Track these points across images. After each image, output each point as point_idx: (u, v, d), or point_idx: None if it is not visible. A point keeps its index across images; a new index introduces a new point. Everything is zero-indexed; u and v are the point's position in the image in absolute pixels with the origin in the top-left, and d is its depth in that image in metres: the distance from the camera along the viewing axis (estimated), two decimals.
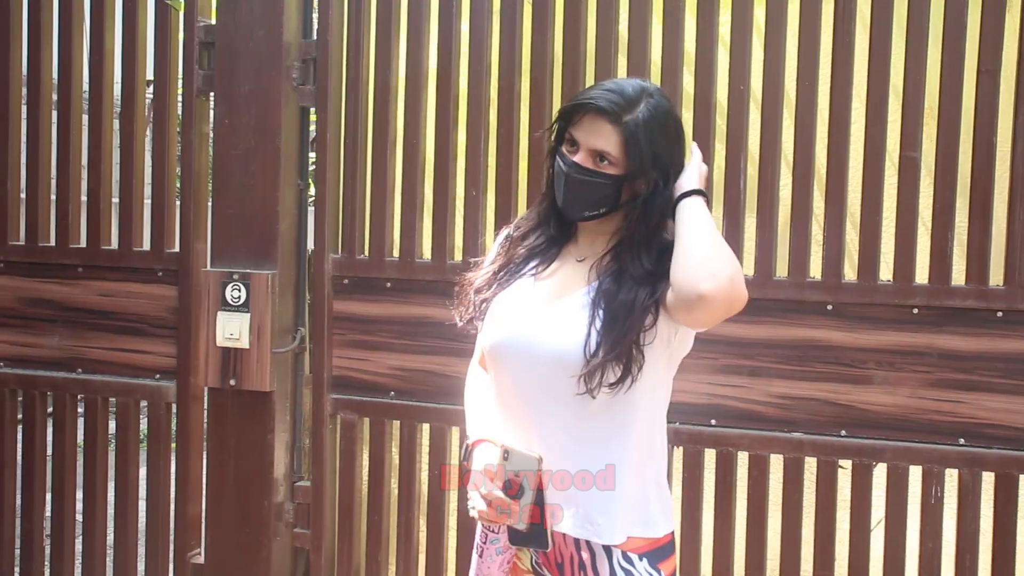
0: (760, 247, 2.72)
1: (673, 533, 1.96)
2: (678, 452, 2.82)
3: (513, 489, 1.78)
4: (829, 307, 2.67)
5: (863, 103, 2.68)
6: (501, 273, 2.01)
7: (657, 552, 1.91)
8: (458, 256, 2.93)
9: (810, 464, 2.74)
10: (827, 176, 2.67)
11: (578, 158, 1.85)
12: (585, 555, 1.89)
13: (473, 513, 1.90)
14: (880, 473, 2.70)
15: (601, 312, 1.84)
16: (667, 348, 1.93)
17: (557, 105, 2.83)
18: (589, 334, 1.83)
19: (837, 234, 2.66)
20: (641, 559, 1.89)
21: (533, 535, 1.82)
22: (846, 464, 2.72)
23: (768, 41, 2.69)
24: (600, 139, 1.83)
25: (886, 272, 2.70)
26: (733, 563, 2.78)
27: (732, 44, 2.71)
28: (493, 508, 1.84)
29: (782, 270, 2.74)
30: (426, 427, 3.03)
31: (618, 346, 1.81)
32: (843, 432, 2.67)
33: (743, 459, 2.78)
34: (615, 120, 1.82)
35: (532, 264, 1.99)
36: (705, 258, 1.75)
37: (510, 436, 1.92)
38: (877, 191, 2.63)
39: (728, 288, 1.72)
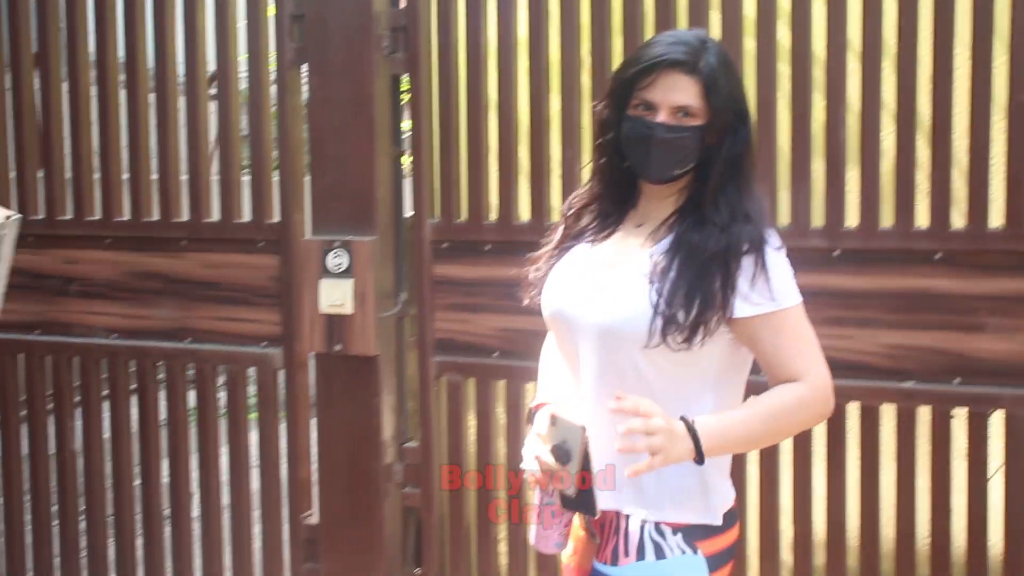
0: (864, 198, 2.67)
1: (728, 511, 1.91)
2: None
3: (561, 455, 1.78)
4: (937, 255, 2.62)
5: (966, 48, 2.60)
6: (558, 249, 2.00)
7: (697, 530, 1.87)
8: (555, 217, 2.91)
9: (922, 414, 2.70)
10: (932, 123, 2.60)
11: (661, 118, 1.80)
12: (621, 519, 1.88)
13: (527, 476, 1.89)
14: (996, 421, 2.65)
15: (676, 263, 1.79)
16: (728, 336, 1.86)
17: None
18: (653, 294, 1.79)
19: (943, 182, 2.60)
20: (675, 533, 1.86)
21: (582, 501, 1.81)
22: (960, 413, 2.68)
23: None
24: (681, 93, 1.79)
25: (996, 219, 2.63)
26: (846, 516, 2.77)
27: None
28: (544, 473, 1.82)
29: (887, 220, 2.70)
30: (532, 387, 3.04)
31: (695, 292, 1.76)
32: (957, 380, 2.62)
33: (853, 410, 2.75)
34: (691, 70, 1.78)
35: (589, 234, 1.95)
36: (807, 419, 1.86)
37: (576, 402, 1.91)
38: (984, 137, 2.57)
39: (830, 408, 1.86)
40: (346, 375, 3.04)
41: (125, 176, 3.31)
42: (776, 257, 1.83)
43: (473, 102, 2.93)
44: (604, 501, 1.84)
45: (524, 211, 2.98)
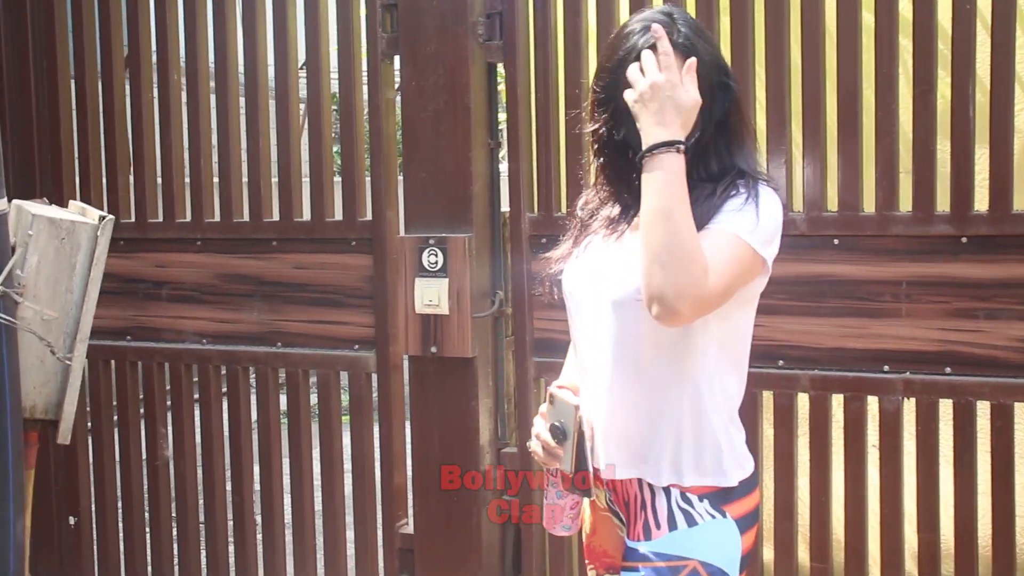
0: (994, 178, 2.49)
1: (750, 475, 1.86)
2: (908, 404, 2.62)
3: (558, 434, 1.81)
4: None
5: None
6: (575, 245, 1.97)
7: (721, 494, 1.82)
8: None
9: None
10: None
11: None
12: (647, 494, 1.85)
13: (532, 454, 1.91)
14: None
15: None
16: None
17: (761, 51, 2.65)
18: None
19: None
20: (702, 500, 1.82)
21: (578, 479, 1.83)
22: None
23: None
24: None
25: None
26: (977, 521, 2.57)
27: None
28: (545, 451, 1.86)
29: (1020, 203, 2.51)
30: None
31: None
32: None
33: (983, 409, 2.57)
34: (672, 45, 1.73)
35: (608, 226, 1.92)
36: (647, 277, 1.68)
37: (592, 382, 1.88)
38: None
39: (677, 307, 1.65)
40: (442, 378, 2.94)
41: (215, 179, 3.26)
42: (758, 204, 1.75)
43: (572, 90, 2.81)
44: (623, 471, 1.84)
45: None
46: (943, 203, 2.54)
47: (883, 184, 2.56)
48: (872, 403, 2.65)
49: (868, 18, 2.59)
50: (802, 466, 2.76)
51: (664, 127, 1.70)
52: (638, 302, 1.74)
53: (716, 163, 1.80)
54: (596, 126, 1.85)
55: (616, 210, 1.92)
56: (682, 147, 1.70)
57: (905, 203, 2.57)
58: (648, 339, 1.79)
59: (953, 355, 2.53)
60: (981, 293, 2.50)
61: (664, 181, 1.69)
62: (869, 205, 2.60)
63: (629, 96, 1.74)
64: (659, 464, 1.83)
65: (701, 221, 1.72)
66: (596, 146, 1.88)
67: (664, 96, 1.70)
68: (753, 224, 1.75)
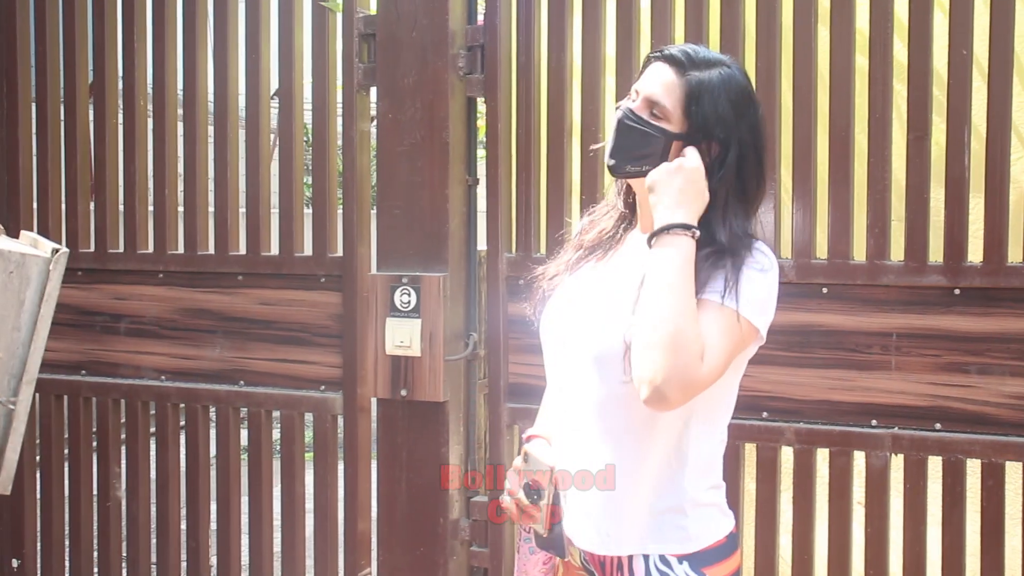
0: (989, 230, 2.41)
1: (728, 536, 1.77)
2: (896, 461, 2.53)
3: (532, 492, 1.76)
4: None
5: None
6: (571, 261, 1.89)
7: (702, 556, 1.75)
8: None
9: None
10: None
11: (636, 106, 1.71)
12: (624, 557, 1.77)
13: (505, 511, 1.84)
14: None
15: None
16: None
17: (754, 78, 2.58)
18: (629, 327, 1.66)
19: None
20: (681, 562, 1.74)
21: (552, 541, 1.78)
22: None
23: (993, 1, 2.38)
24: (659, 87, 1.69)
25: None
26: None
27: (951, 6, 2.41)
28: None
29: (1015, 255, 2.43)
30: None
31: None
32: None
33: (974, 467, 2.49)
34: (680, 71, 1.68)
35: (598, 250, 1.85)
36: (640, 359, 1.59)
37: (568, 431, 1.80)
38: None
39: (667, 393, 1.56)
40: (411, 422, 2.83)
41: (180, 209, 3.16)
42: (755, 271, 1.67)
43: (555, 126, 2.74)
44: (598, 543, 1.76)
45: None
46: (936, 253, 2.48)
47: (874, 232, 2.50)
48: (859, 459, 2.58)
49: (862, 61, 2.52)
50: (785, 523, 2.66)
51: (682, 208, 1.65)
52: (620, 358, 1.67)
53: (725, 226, 1.71)
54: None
55: (612, 224, 1.85)
56: (696, 233, 1.64)
57: (897, 252, 2.52)
58: (628, 399, 1.70)
59: (943, 411, 2.46)
60: (973, 347, 2.43)
61: (675, 261, 1.62)
62: (860, 253, 2.53)
63: (655, 172, 1.68)
64: (635, 530, 1.75)
65: (700, 287, 1.65)
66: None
67: (690, 180, 1.66)
68: (752, 295, 1.67)
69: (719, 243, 1.68)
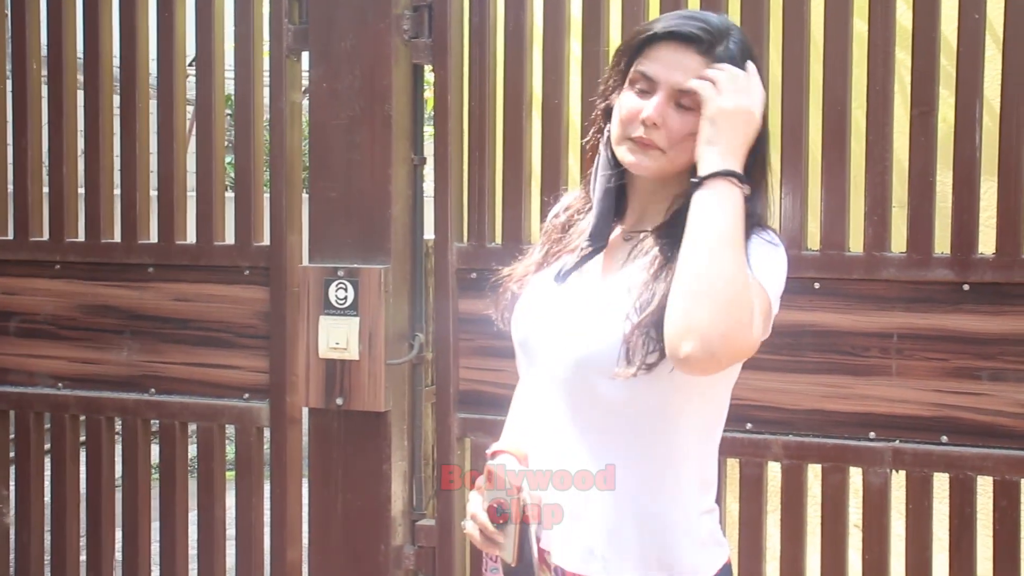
0: (1002, 217, 2.35)
1: (724, 567, 1.73)
2: (898, 478, 2.45)
3: (497, 516, 1.70)
4: None
5: None
6: (540, 261, 1.83)
7: None
8: None
9: None
10: None
11: (658, 100, 1.62)
12: None
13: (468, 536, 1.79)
14: None
15: (645, 278, 1.64)
16: None
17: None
18: (625, 318, 1.62)
19: None
20: None
21: (523, 571, 1.70)
22: None
23: None
24: (687, 74, 1.62)
25: None
26: None
27: None
28: (482, 534, 1.74)
29: None
30: None
31: (647, 307, 1.60)
32: None
33: (985, 485, 2.42)
34: (706, 50, 1.62)
35: (575, 244, 1.78)
36: (690, 306, 1.50)
37: (543, 443, 1.75)
38: None
39: (717, 350, 1.48)
40: (348, 435, 2.74)
41: (81, 190, 3.05)
42: (766, 257, 1.63)
43: (513, 98, 2.66)
44: (579, 563, 1.70)
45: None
46: (942, 244, 2.41)
47: (873, 220, 2.43)
48: (855, 475, 2.50)
49: (860, 26, 2.45)
50: (772, 548, 2.58)
51: (734, 157, 1.57)
52: (612, 362, 1.61)
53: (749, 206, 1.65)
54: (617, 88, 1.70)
55: (586, 227, 1.75)
56: (746, 188, 1.58)
57: (898, 243, 2.44)
58: (618, 409, 1.66)
59: (951, 422, 2.40)
60: (984, 350, 2.37)
61: (734, 212, 1.54)
62: (857, 244, 2.46)
63: (706, 111, 1.59)
64: (620, 557, 1.69)
65: None
66: (596, 136, 1.75)
67: (743, 125, 1.59)
68: (776, 280, 1.63)
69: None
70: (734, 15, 2.49)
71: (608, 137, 1.70)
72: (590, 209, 1.76)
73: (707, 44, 1.61)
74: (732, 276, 1.50)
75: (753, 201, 1.63)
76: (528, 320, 1.76)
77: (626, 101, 1.64)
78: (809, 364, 2.45)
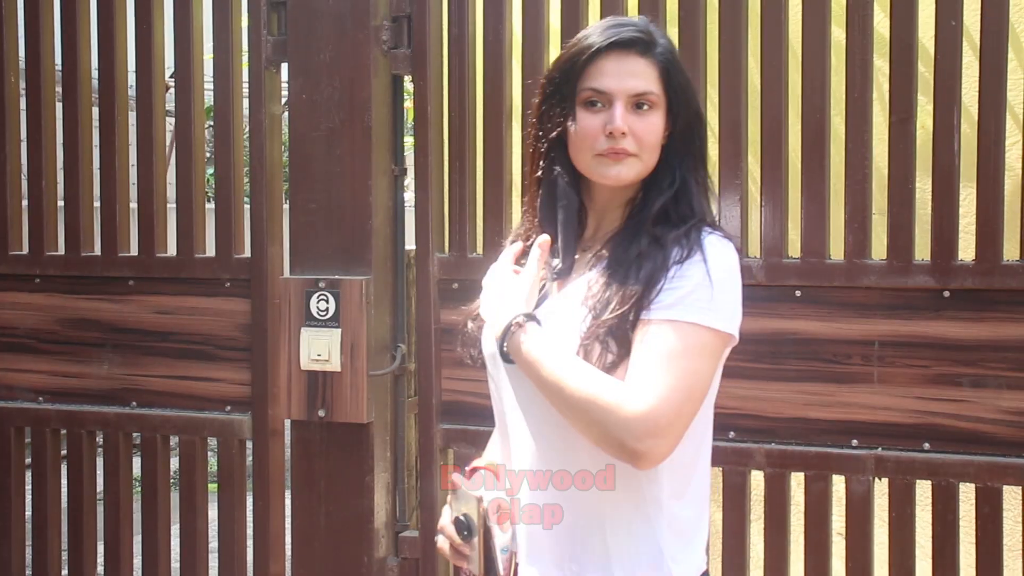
0: (981, 223, 2.37)
1: None
2: (881, 485, 2.47)
3: (463, 529, 1.75)
4: None
5: None
6: None
7: None
8: None
9: None
10: None
11: (619, 110, 1.65)
12: None
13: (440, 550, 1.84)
14: None
15: (603, 281, 1.66)
16: None
17: (714, 69, 2.53)
18: (582, 323, 1.65)
19: None
20: None
21: None
22: None
23: None
24: (638, 79, 1.66)
25: None
26: None
27: None
28: (451, 547, 1.78)
29: (1012, 252, 2.39)
30: None
31: (616, 312, 1.62)
32: None
33: (967, 492, 2.44)
34: (646, 50, 1.67)
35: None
36: (585, 434, 1.61)
37: (513, 459, 1.77)
38: None
39: (638, 453, 1.55)
40: (330, 447, 2.76)
41: (60, 203, 3.07)
42: (719, 267, 1.63)
43: (493, 108, 2.68)
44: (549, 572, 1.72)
45: None
46: (922, 251, 2.43)
47: (853, 227, 2.45)
48: (838, 483, 2.51)
49: (838, 34, 2.47)
50: (756, 557, 2.61)
51: (498, 312, 1.69)
52: None
53: (681, 209, 1.69)
54: (546, 133, 1.72)
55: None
56: (522, 317, 1.65)
57: (879, 250, 2.47)
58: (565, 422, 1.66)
59: (932, 429, 2.42)
60: (965, 356, 2.39)
61: (530, 362, 1.62)
62: (837, 251, 2.48)
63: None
64: (588, 569, 1.69)
65: (651, 282, 1.62)
66: (540, 160, 1.74)
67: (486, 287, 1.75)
68: (708, 298, 1.60)
69: (675, 223, 1.67)
70: (711, 21, 2.52)
71: (561, 164, 1.71)
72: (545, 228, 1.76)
73: (645, 44, 1.66)
74: (582, 406, 1.56)
75: (693, 199, 1.67)
76: (489, 339, 1.76)
77: (584, 122, 1.65)
78: (791, 372, 2.47)
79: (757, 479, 2.59)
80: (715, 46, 2.52)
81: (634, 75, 1.65)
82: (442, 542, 1.79)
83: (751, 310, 2.42)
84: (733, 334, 1.64)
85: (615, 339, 1.59)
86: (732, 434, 2.51)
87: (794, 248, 2.52)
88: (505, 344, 1.64)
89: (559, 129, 1.68)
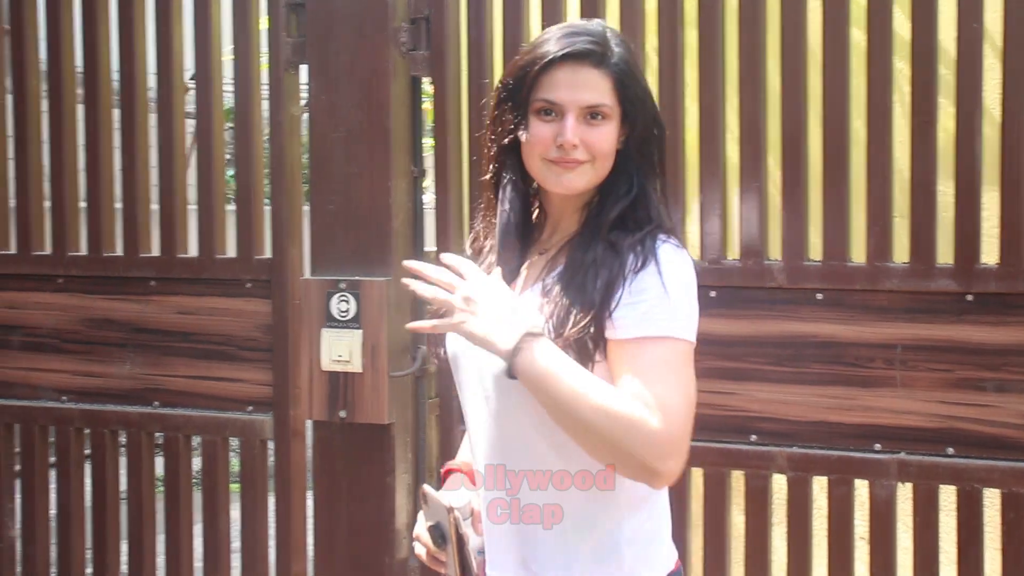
0: (1005, 227, 2.36)
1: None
2: (904, 490, 2.46)
3: (437, 536, 1.77)
4: None
5: None
6: None
7: None
8: None
9: None
10: None
11: (570, 122, 1.65)
12: None
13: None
14: None
15: (559, 288, 1.67)
16: None
17: (733, 71, 2.50)
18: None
19: None
20: None
21: None
22: None
23: None
24: (591, 91, 1.66)
25: None
26: None
27: None
28: (428, 555, 1.81)
29: None
30: None
31: (567, 321, 1.63)
32: None
33: (992, 497, 2.44)
34: (600, 62, 1.66)
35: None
36: (600, 459, 1.61)
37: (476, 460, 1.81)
38: None
39: (657, 471, 1.57)
40: (352, 448, 2.77)
41: (82, 204, 3.09)
42: (675, 277, 1.65)
43: None
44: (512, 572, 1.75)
45: None
46: (945, 254, 2.43)
47: (875, 231, 2.44)
48: (861, 488, 2.51)
49: (859, 36, 2.46)
50: (778, 561, 2.60)
51: (502, 326, 1.61)
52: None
53: (639, 215, 1.70)
54: (499, 138, 1.73)
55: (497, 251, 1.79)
56: (537, 328, 1.60)
57: (900, 253, 2.46)
58: (534, 421, 1.67)
59: (956, 433, 2.41)
60: (989, 361, 2.38)
61: (556, 365, 1.58)
62: (859, 255, 2.47)
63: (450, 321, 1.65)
64: (563, 564, 1.71)
65: (609, 291, 1.63)
66: (496, 164, 1.77)
67: (477, 298, 1.63)
68: (672, 309, 1.62)
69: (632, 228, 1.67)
70: (730, 24, 2.51)
71: (512, 169, 1.73)
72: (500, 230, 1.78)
73: (599, 56, 1.65)
74: (604, 423, 1.54)
75: (651, 206, 1.68)
76: (456, 339, 1.78)
77: (536, 130, 1.66)
78: (812, 375, 2.47)
79: (779, 483, 2.59)
80: (734, 46, 2.51)
81: (587, 87, 1.66)
82: (419, 549, 1.82)
83: (773, 313, 2.47)
84: (694, 342, 1.65)
85: (576, 350, 1.61)
86: (754, 437, 2.51)
87: (816, 251, 2.51)
88: (515, 360, 1.59)
89: (511, 136, 1.69)
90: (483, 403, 1.73)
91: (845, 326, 2.45)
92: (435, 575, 1.85)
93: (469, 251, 1.87)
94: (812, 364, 2.47)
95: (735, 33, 2.51)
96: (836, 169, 2.46)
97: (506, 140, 1.70)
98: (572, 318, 1.62)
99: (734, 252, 2.54)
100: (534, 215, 1.79)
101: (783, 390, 2.49)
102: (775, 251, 2.52)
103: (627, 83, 1.66)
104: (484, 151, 1.78)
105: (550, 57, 1.65)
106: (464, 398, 1.81)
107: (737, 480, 2.61)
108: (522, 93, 1.68)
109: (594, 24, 1.71)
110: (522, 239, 1.76)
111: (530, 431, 1.67)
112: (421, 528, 1.82)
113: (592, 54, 1.65)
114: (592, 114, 1.66)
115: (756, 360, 2.50)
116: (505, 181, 1.74)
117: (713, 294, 2.49)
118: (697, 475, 2.60)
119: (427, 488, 1.80)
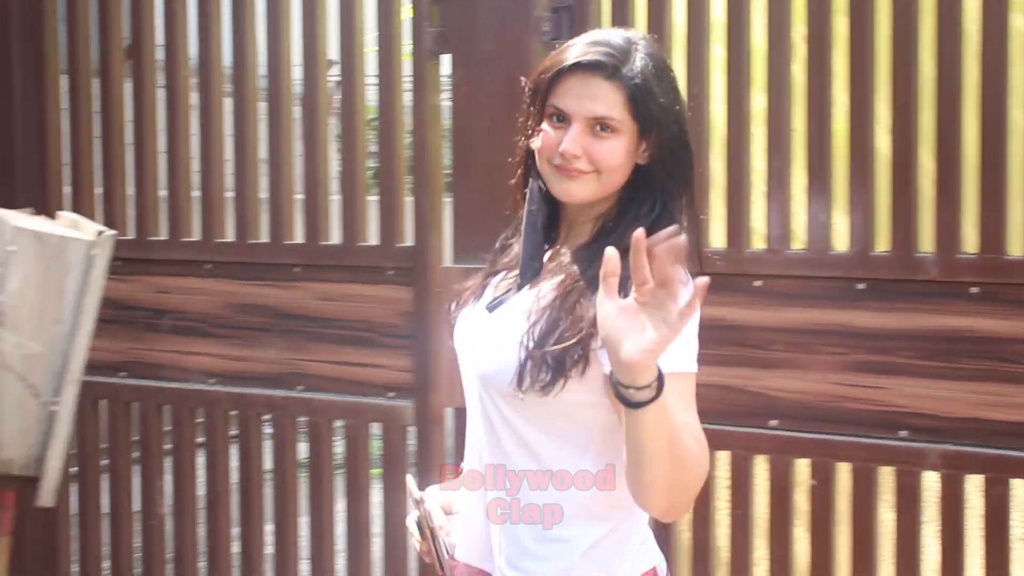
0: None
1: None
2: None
3: (420, 528, 1.81)
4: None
5: None
6: (480, 283, 1.86)
7: None
8: (757, 243, 2.60)
9: None
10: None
11: (574, 132, 1.64)
12: None
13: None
14: None
15: (550, 299, 1.66)
16: None
17: (885, 61, 2.45)
18: (525, 335, 1.65)
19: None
20: None
21: None
22: None
23: None
24: (599, 103, 1.64)
25: None
26: None
27: None
28: (420, 545, 1.85)
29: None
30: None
31: (551, 336, 1.61)
32: None
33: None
34: (612, 74, 1.64)
35: (507, 273, 1.82)
36: (656, 496, 1.55)
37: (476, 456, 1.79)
38: None
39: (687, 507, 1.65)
40: None
41: (229, 193, 3.15)
42: None
43: None
44: (476, 557, 1.77)
45: (717, 236, 2.63)
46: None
47: None
48: (1018, 487, 2.47)
49: (1019, 21, 2.42)
50: (929, 561, 2.55)
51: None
52: (496, 380, 1.67)
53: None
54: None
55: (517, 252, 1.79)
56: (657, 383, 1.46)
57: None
58: (506, 423, 1.69)
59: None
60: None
61: (666, 411, 1.48)
62: (1015, 247, 2.41)
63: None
64: (545, 563, 1.70)
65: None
66: (522, 165, 1.78)
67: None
68: (684, 345, 1.56)
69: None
70: (882, 11, 2.45)
71: (536, 172, 1.73)
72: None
73: (611, 68, 1.63)
74: (681, 472, 1.50)
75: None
76: (458, 337, 1.80)
77: (545, 135, 1.67)
78: (966, 371, 2.42)
79: (931, 480, 2.55)
80: (886, 35, 2.46)
81: (594, 99, 1.64)
82: (412, 540, 1.86)
83: (926, 306, 2.42)
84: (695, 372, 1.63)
85: (551, 366, 1.60)
86: (904, 433, 2.47)
87: (969, 243, 2.46)
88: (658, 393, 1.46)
89: (532, 138, 1.70)
90: (481, 403, 1.74)
91: (1001, 321, 2.39)
92: None
93: (497, 246, 1.88)
94: (966, 359, 2.42)
95: (887, 21, 2.46)
96: (993, 159, 2.40)
97: (524, 144, 1.73)
98: (557, 334, 1.60)
99: (884, 244, 2.50)
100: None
101: (934, 385, 2.45)
102: (927, 243, 2.48)
103: (642, 98, 1.63)
104: (520, 159, 1.78)
105: (563, 65, 1.65)
106: (469, 398, 1.81)
107: (886, 476, 2.57)
108: (539, 98, 1.69)
109: (622, 35, 1.69)
110: (548, 241, 1.75)
111: (530, 432, 1.67)
112: (410, 521, 1.86)
113: (604, 66, 1.63)
114: (601, 126, 1.64)
115: (906, 354, 2.46)
116: (531, 182, 1.75)
117: (861, 286, 2.46)
118: (844, 470, 2.57)
119: (408, 479, 1.85)
